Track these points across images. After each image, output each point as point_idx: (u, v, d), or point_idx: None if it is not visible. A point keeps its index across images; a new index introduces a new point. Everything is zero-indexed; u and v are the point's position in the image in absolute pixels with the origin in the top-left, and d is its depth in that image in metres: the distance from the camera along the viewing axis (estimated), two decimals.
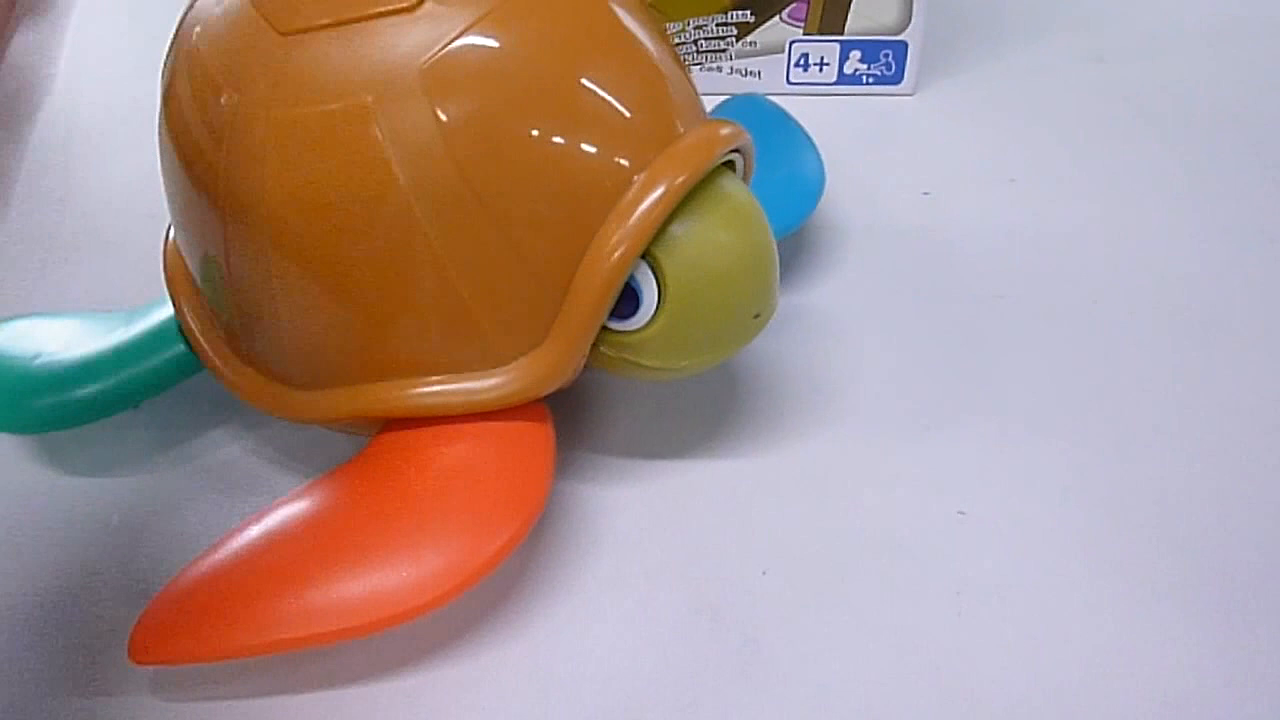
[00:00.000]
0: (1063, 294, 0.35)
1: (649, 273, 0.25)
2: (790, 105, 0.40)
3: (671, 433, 0.31)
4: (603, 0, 0.25)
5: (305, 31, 0.24)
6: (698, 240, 0.25)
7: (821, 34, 0.44)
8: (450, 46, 0.23)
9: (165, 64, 0.28)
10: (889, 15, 0.44)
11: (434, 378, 0.26)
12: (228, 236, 0.26)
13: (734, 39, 0.45)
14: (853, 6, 0.44)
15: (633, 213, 0.24)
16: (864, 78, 0.46)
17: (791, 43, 0.45)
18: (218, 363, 0.28)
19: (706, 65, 0.45)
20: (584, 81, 0.24)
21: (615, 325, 0.26)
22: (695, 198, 0.25)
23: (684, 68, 0.27)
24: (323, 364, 0.26)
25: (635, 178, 0.25)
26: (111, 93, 0.49)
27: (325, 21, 0.24)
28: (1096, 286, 0.36)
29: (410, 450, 0.26)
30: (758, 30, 0.44)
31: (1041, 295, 0.35)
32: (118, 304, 0.36)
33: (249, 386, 0.28)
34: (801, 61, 0.45)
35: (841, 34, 0.44)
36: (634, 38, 0.25)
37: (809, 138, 0.38)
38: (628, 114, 0.25)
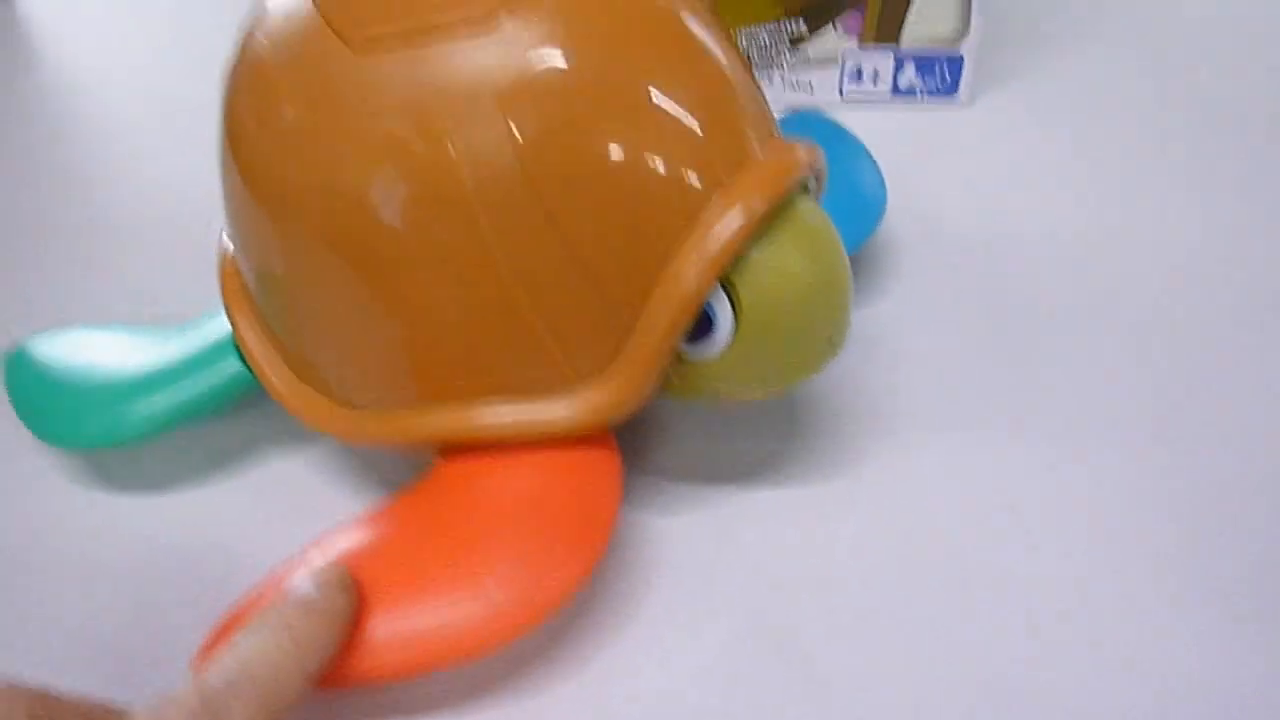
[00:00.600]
0: (1130, 307, 0.35)
1: (724, 298, 0.24)
2: (842, 117, 0.40)
3: (728, 454, 0.30)
4: (679, 19, 0.25)
5: (379, 49, 0.23)
6: (775, 266, 0.24)
7: (877, 44, 0.43)
8: (527, 66, 0.23)
9: (227, 74, 0.27)
10: (945, 26, 0.43)
11: (500, 402, 0.25)
12: (292, 254, 0.25)
13: (787, 49, 0.44)
14: (909, 17, 0.43)
15: (709, 238, 0.24)
16: (919, 90, 0.45)
17: (845, 54, 0.44)
18: (276, 382, 0.27)
19: (758, 75, 0.44)
20: (660, 103, 0.24)
21: (688, 350, 0.25)
22: (772, 220, 0.25)
23: (757, 85, 0.26)
24: (386, 385, 0.26)
25: (712, 201, 0.24)
26: (148, 91, 0.49)
27: (400, 39, 0.23)
28: (1165, 299, 0.35)
29: (474, 479, 0.25)
30: (811, 40, 0.44)
31: (1108, 309, 0.35)
32: (163, 313, 0.35)
33: (308, 407, 0.27)
34: (855, 73, 0.44)
35: (896, 44, 0.43)
36: (711, 57, 0.25)
37: (869, 154, 0.37)
38: (704, 136, 0.24)
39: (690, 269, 0.24)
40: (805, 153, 0.25)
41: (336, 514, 0.29)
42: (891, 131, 0.43)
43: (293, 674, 0.20)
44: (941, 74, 0.44)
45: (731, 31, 0.43)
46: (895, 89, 0.45)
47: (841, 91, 0.45)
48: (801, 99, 0.45)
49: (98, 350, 0.30)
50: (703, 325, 0.25)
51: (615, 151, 0.23)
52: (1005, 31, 0.49)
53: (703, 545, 0.28)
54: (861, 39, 0.43)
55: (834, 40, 0.44)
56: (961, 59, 0.44)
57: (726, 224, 0.24)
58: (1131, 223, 0.38)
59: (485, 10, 0.23)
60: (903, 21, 0.43)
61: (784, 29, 0.43)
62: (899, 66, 0.44)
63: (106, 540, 0.29)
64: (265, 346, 0.28)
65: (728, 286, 0.24)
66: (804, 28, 0.43)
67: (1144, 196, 0.40)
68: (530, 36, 0.23)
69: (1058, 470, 0.29)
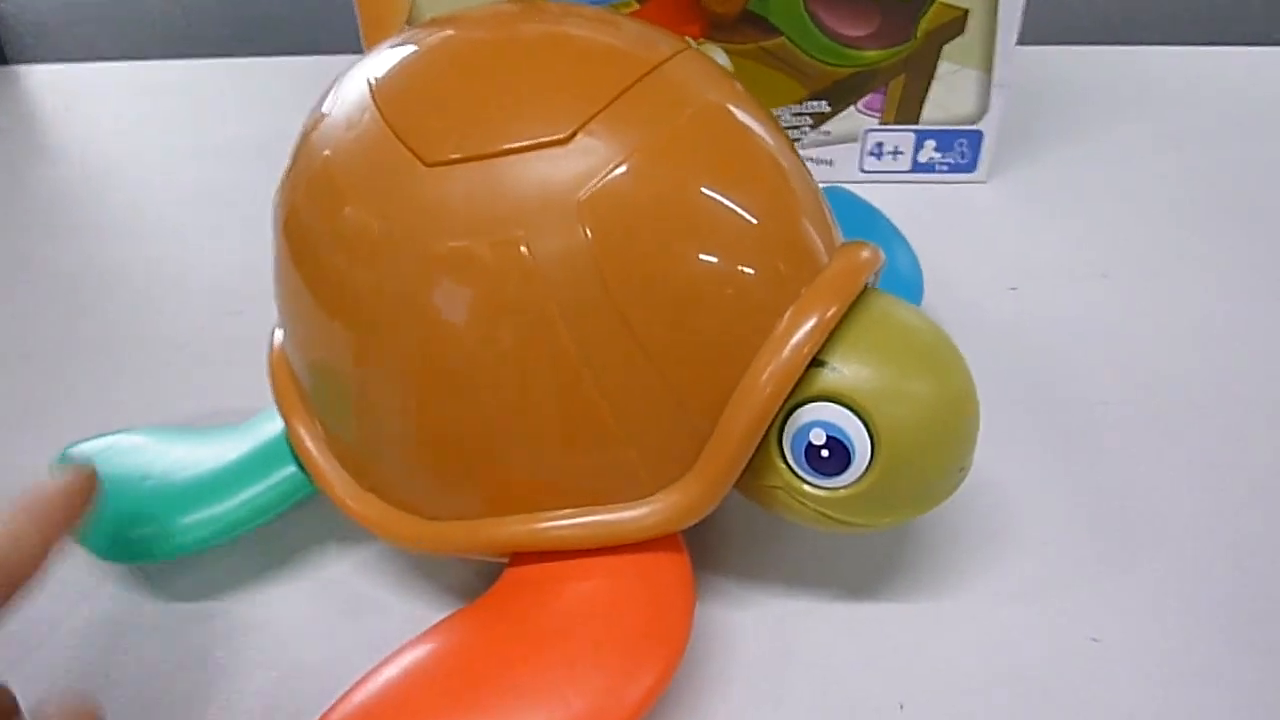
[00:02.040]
0: (1171, 398, 0.35)
1: (860, 426, 0.24)
2: (860, 193, 0.40)
3: (789, 553, 0.30)
4: (749, 130, 0.25)
5: (452, 163, 0.23)
6: (912, 396, 0.24)
7: (897, 124, 0.44)
8: (605, 180, 0.23)
9: (283, 186, 0.27)
10: (966, 105, 0.44)
11: (573, 510, 0.25)
12: (360, 360, 0.25)
13: (809, 128, 0.45)
14: (929, 97, 0.43)
15: (785, 346, 0.24)
16: (938, 166, 0.45)
17: (866, 132, 0.45)
18: (337, 488, 0.27)
19: None
20: (736, 214, 0.24)
21: (822, 482, 0.25)
22: (894, 342, 0.25)
23: (818, 188, 0.27)
24: (458, 495, 0.26)
25: (785, 309, 0.24)
26: (166, 179, 0.49)
27: (473, 153, 0.23)
28: (1205, 389, 0.35)
29: (546, 586, 0.25)
30: (833, 119, 0.44)
31: (1150, 401, 0.35)
32: (210, 409, 0.35)
33: (371, 514, 0.27)
34: (875, 150, 0.45)
35: (917, 124, 0.44)
36: (781, 167, 0.25)
37: (903, 237, 0.38)
38: (778, 246, 0.24)
39: (766, 377, 0.24)
40: (869, 255, 0.26)
41: (397, 617, 0.28)
42: (909, 207, 0.43)
43: (30, 536, 0.23)
44: (961, 150, 0.45)
45: None
46: (915, 164, 0.46)
47: (862, 167, 0.46)
48: (821, 174, 0.46)
49: (146, 456, 0.30)
50: (836, 455, 0.24)
51: (688, 261, 0.23)
52: (1024, 109, 0.50)
53: (771, 645, 0.28)
54: (883, 118, 0.44)
55: (856, 119, 0.44)
56: (981, 134, 0.44)
57: (801, 333, 0.24)
58: (1167, 308, 0.39)
59: (564, 132, 0.23)
60: (923, 101, 0.44)
61: (807, 109, 0.44)
62: (919, 143, 0.45)
63: (155, 649, 0.28)
64: (324, 451, 0.28)
65: (864, 415, 0.24)
66: (827, 107, 0.44)
67: (1177, 279, 0.40)
68: (606, 148, 0.23)
69: (1119, 571, 0.29)
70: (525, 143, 0.23)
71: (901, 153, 0.45)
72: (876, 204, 0.40)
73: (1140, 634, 0.28)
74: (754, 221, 0.24)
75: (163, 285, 0.42)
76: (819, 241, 0.25)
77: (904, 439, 0.24)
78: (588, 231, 0.23)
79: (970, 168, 0.45)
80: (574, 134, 0.23)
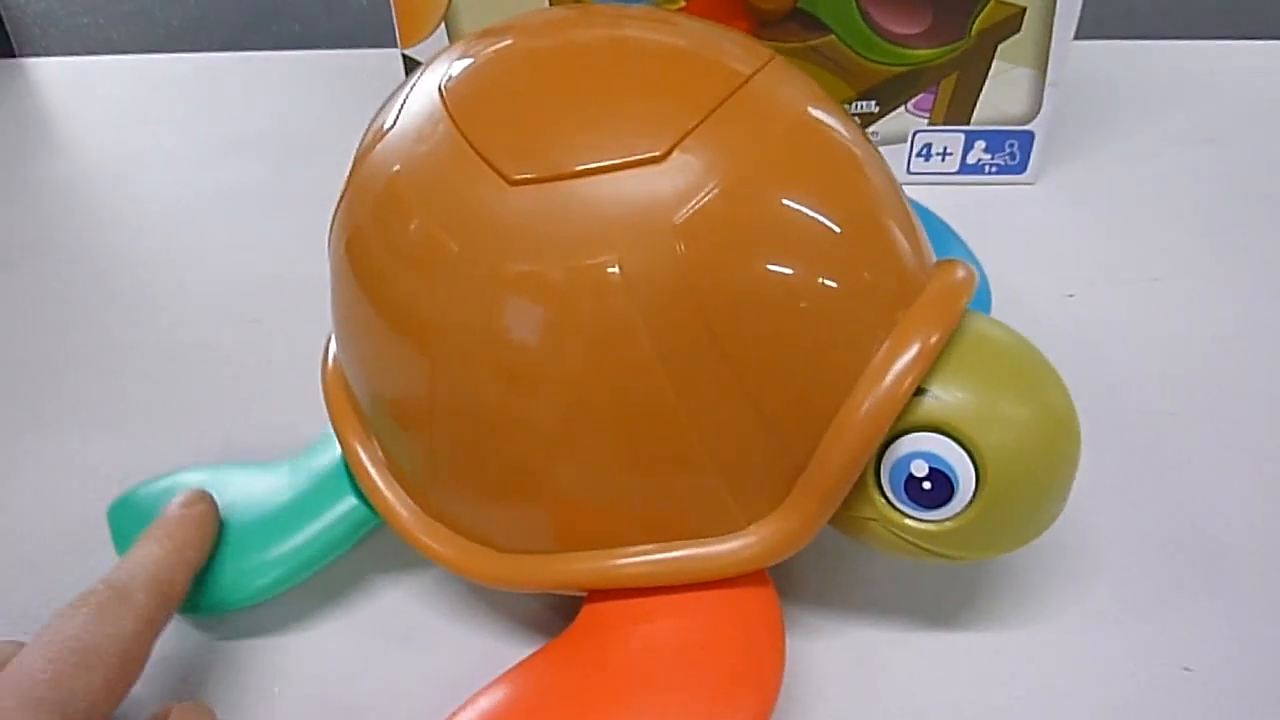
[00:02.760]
0: (1239, 406, 0.34)
1: (966, 459, 0.23)
2: (908, 194, 0.39)
3: (866, 581, 0.29)
4: (844, 146, 0.24)
5: (537, 181, 0.22)
6: (1017, 424, 0.23)
7: (947, 124, 0.43)
8: (704, 200, 0.21)
9: (344, 199, 0.26)
10: (1018, 106, 0.42)
11: (659, 543, 0.24)
12: (436, 387, 0.24)
13: None
14: (981, 97, 0.42)
15: (886, 375, 0.23)
16: (986, 167, 0.44)
17: (915, 133, 0.43)
18: (405, 521, 0.26)
19: None
20: (834, 235, 0.23)
21: (922, 515, 0.24)
22: (994, 366, 0.24)
23: (909, 206, 0.25)
24: (537, 527, 0.24)
25: (885, 334, 0.23)
26: (164, 179, 0.47)
27: (560, 171, 0.22)
28: (1267, 395, 0.34)
29: (628, 626, 0.24)
30: (881, 120, 0.43)
31: (1218, 409, 0.34)
32: (235, 426, 0.34)
33: (442, 548, 0.25)
34: (924, 151, 0.44)
35: (968, 124, 0.43)
36: (876, 186, 0.24)
37: (962, 241, 0.37)
38: (877, 270, 0.23)
39: (865, 408, 0.23)
40: (965, 275, 0.25)
41: (452, 645, 0.27)
42: (959, 209, 0.42)
43: (176, 567, 0.25)
44: (1011, 151, 0.44)
45: None
46: (963, 165, 0.44)
47: (909, 169, 0.44)
48: None
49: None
50: (940, 486, 0.23)
51: (786, 283, 0.22)
52: (1070, 109, 0.49)
53: (850, 681, 0.27)
54: (932, 119, 0.43)
55: (904, 119, 0.43)
56: (1032, 135, 0.43)
57: (902, 362, 0.23)
58: (1224, 313, 0.38)
59: (660, 150, 0.21)
60: (975, 101, 0.42)
61: (855, 109, 0.43)
62: (969, 144, 0.44)
63: (212, 687, 0.27)
64: (387, 478, 0.26)
65: (967, 444, 0.23)
66: (875, 107, 0.43)
67: (1231, 282, 0.39)
68: (703, 167, 0.22)
69: (1205, 593, 0.28)
70: (615, 161, 0.22)
71: (950, 154, 0.44)
72: (925, 206, 0.38)
73: (1232, 662, 0.27)
74: (852, 243, 0.23)
75: (173, 284, 0.41)
76: (915, 262, 0.24)
77: (1010, 468, 0.23)
78: (685, 253, 0.21)
79: (1020, 169, 0.44)
80: (669, 152, 0.22)
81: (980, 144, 0.44)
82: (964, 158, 0.44)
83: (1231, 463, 0.32)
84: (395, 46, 0.42)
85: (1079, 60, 0.52)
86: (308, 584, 0.29)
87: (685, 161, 0.22)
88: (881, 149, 0.43)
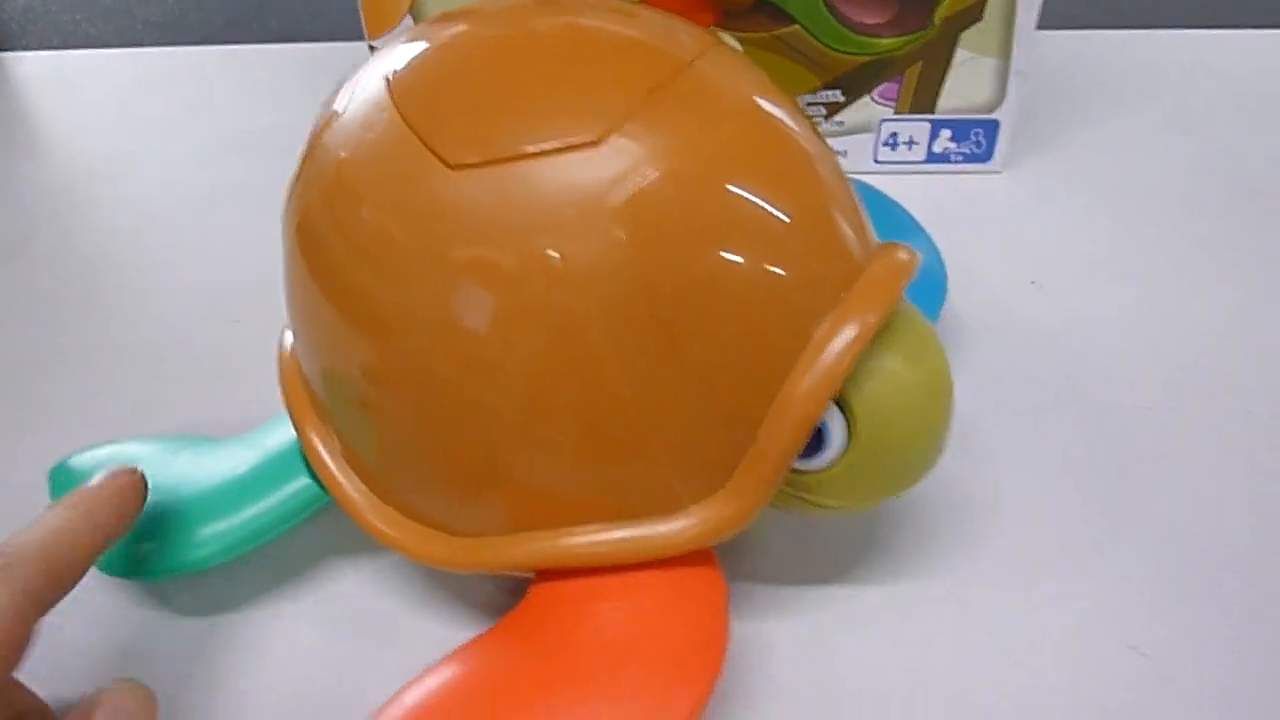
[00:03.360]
0: (1201, 396, 0.34)
1: (837, 412, 0.24)
2: (874, 182, 0.39)
3: (813, 558, 0.29)
4: (785, 129, 0.24)
5: (477, 166, 0.22)
6: (887, 377, 0.24)
7: (913, 113, 0.43)
8: (641, 183, 0.22)
9: (294, 188, 0.26)
10: (982, 94, 0.43)
11: (605, 524, 0.24)
12: (382, 372, 0.24)
13: (823, 118, 0.44)
14: (946, 86, 0.43)
15: (825, 354, 0.23)
16: (953, 156, 0.45)
17: (881, 122, 0.44)
18: (356, 503, 0.26)
19: None
20: (775, 217, 0.23)
21: (797, 464, 0.24)
22: (880, 329, 0.24)
23: (852, 188, 0.26)
24: (485, 509, 0.25)
25: (825, 315, 0.23)
26: (146, 175, 0.47)
27: (500, 156, 0.22)
28: (1234, 386, 0.34)
29: (575, 605, 0.24)
30: (847, 109, 0.43)
31: (1174, 398, 0.34)
32: (210, 418, 0.34)
33: (393, 531, 0.26)
34: (890, 140, 0.44)
35: (933, 113, 0.43)
36: (817, 167, 0.24)
37: (922, 228, 0.37)
38: (815, 249, 0.23)
39: (806, 386, 0.23)
40: (907, 257, 0.25)
41: (411, 632, 0.28)
42: (925, 198, 0.42)
43: (78, 543, 0.23)
44: (977, 139, 0.44)
45: None
46: (929, 154, 0.45)
47: (876, 158, 0.45)
48: None
49: (151, 466, 0.29)
50: (814, 439, 0.24)
51: (726, 265, 0.22)
52: (1039, 98, 0.49)
53: (798, 656, 0.27)
54: (898, 107, 0.43)
55: (870, 109, 0.43)
56: (997, 124, 0.44)
57: (842, 338, 0.23)
58: (1191, 304, 0.38)
59: (596, 134, 0.22)
60: (939, 90, 0.43)
61: (821, 98, 0.43)
62: (935, 133, 0.44)
63: (166, 666, 0.27)
64: (340, 462, 0.27)
65: (840, 400, 0.24)
66: (841, 97, 0.43)
67: (1199, 273, 0.39)
68: (641, 150, 0.22)
69: (1161, 579, 0.29)
70: (554, 144, 0.22)
71: (917, 143, 0.44)
72: (891, 195, 0.39)
73: (1181, 644, 0.27)
74: (794, 225, 0.23)
75: (155, 285, 0.41)
76: (857, 244, 0.24)
77: (878, 422, 0.24)
78: (625, 237, 0.22)
79: (986, 158, 0.45)
80: (606, 135, 0.22)
81: (946, 133, 0.44)
82: (930, 147, 0.44)
83: (1187, 452, 0.32)
84: None
85: (1052, 50, 0.52)
86: (264, 566, 0.29)
87: (623, 145, 0.22)
88: (849, 138, 0.44)
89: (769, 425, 0.23)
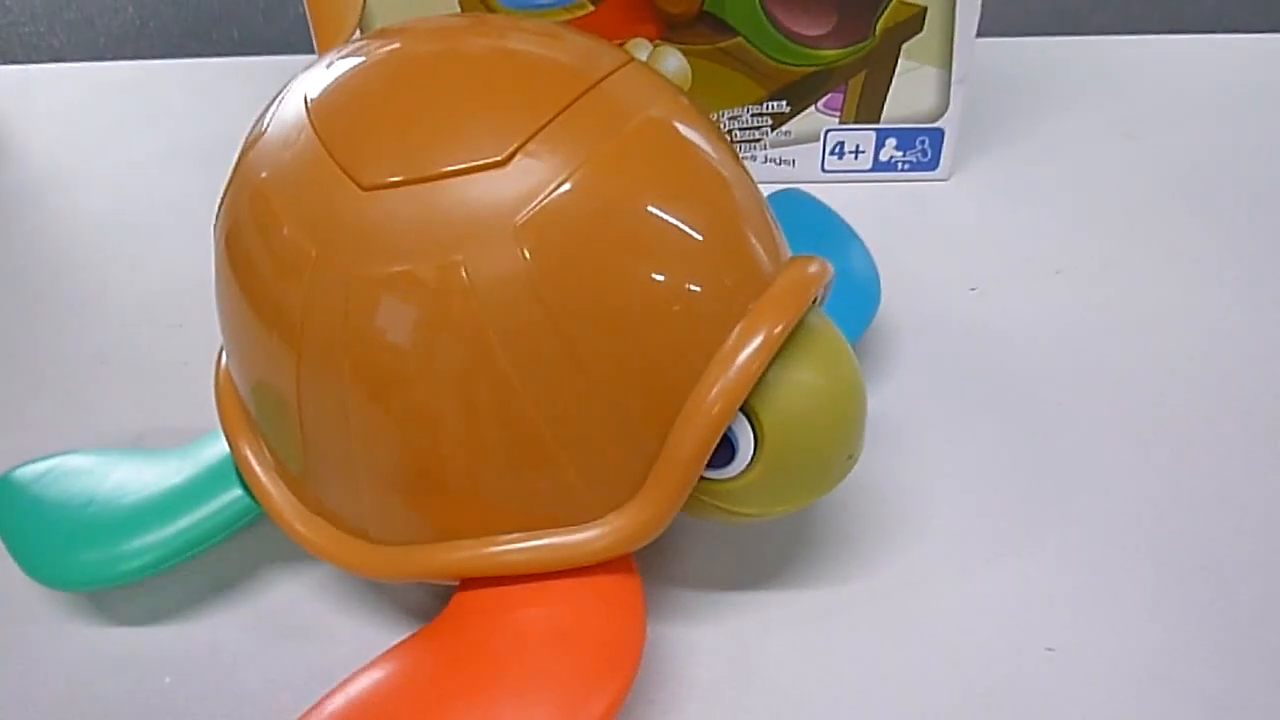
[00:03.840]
0: (1128, 397, 0.35)
1: (744, 421, 0.24)
2: (821, 192, 0.40)
3: (741, 561, 0.30)
4: (692, 144, 0.25)
5: (388, 187, 0.23)
6: (794, 386, 0.24)
7: (858, 123, 0.44)
8: (545, 201, 0.22)
9: (223, 204, 0.27)
10: (926, 103, 0.43)
11: (522, 533, 0.25)
12: (302, 385, 0.24)
13: (769, 129, 0.44)
14: (890, 95, 0.43)
15: (732, 363, 0.23)
16: (899, 164, 0.45)
17: (827, 131, 0.44)
18: (285, 513, 0.27)
19: (741, 155, 0.45)
20: (680, 230, 0.23)
21: (708, 473, 0.25)
22: (787, 339, 0.24)
23: (764, 201, 0.26)
24: (404, 519, 0.25)
25: (731, 327, 0.24)
26: (105, 186, 0.48)
27: (410, 177, 0.23)
28: (1161, 387, 0.35)
29: (495, 612, 0.25)
30: (793, 120, 0.44)
31: (1106, 399, 0.35)
32: (151, 425, 0.35)
33: (319, 540, 0.26)
34: (836, 149, 0.45)
35: (878, 123, 0.44)
36: (725, 181, 0.25)
37: (856, 236, 0.37)
38: (721, 262, 0.24)
39: (713, 396, 0.23)
40: (817, 269, 0.25)
41: (344, 641, 0.28)
42: (870, 206, 0.43)
43: None
44: (922, 148, 0.45)
45: (715, 113, 0.43)
46: (876, 163, 0.45)
47: (823, 167, 0.45)
48: (783, 175, 0.45)
49: (90, 479, 0.29)
50: (723, 448, 0.24)
51: (631, 281, 0.23)
52: (983, 105, 0.50)
53: (723, 661, 0.28)
54: (843, 117, 0.44)
55: (816, 118, 0.44)
56: (942, 132, 0.44)
57: (748, 350, 0.23)
58: (1125, 304, 0.39)
59: (503, 153, 0.22)
60: (884, 100, 0.43)
61: (766, 109, 0.44)
62: (880, 142, 0.45)
63: (98, 676, 0.28)
64: (271, 474, 0.27)
65: (747, 410, 0.24)
66: (786, 107, 0.44)
67: (1134, 274, 0.40)
68: (546, 168, 0.23)
69: (1075, 576, 0.29)
70: (463, 165, 0.23)
71: (863, 152, 0.45)
72: (838, 204, 0.39)
73: (1097, 645, 0.27)
74: (699, 238, 0.24)
75: (102, 293, 0.41)
76: (765, 256, 0.25)
77: (786, 430, 0.24)
78: (526, 254, 0.22)
79: (932, 166, 0.45)
80: (512, 155, 0.23)
81: (891, 141, 0.45)
82: (876, 155, 0.45)
83: (1118, 453, 0.33)
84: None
85: (995, 57, 0.53)
86: (198, 575, 0.30)
87: (529, 164, 0.23)
88: (795, 148, 0.44)
89: (677, 434, 0.24)
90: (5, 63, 0.58)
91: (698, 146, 0.25)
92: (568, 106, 0.23)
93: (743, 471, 0.25)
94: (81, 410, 0.36)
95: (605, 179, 0.23)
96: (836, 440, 0.25)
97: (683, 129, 0.25)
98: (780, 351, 0.24)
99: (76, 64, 0.57)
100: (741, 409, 0.24)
